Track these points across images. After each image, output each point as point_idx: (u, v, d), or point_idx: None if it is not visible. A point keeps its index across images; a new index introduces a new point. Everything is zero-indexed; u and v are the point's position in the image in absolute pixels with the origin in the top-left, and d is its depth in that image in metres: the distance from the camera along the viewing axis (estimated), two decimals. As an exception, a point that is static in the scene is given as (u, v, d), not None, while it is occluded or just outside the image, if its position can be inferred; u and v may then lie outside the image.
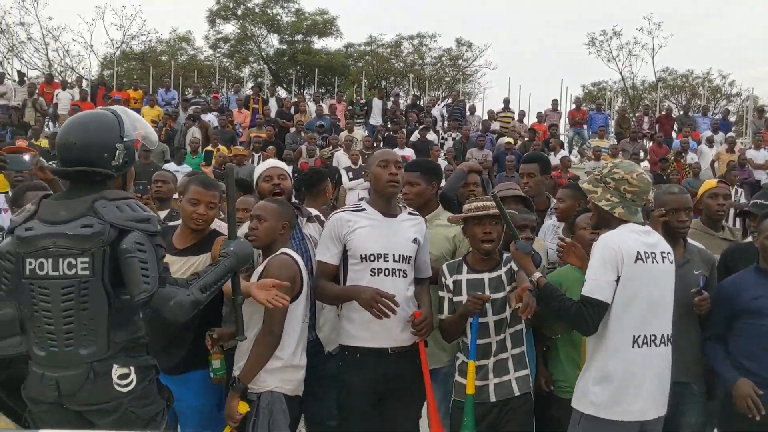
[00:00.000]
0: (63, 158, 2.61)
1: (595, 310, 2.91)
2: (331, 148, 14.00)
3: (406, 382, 3.35)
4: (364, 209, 3.42)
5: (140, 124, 2.87)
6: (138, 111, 16.17)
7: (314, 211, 3.92)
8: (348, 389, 3.34)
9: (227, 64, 30.60)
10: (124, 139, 2.63)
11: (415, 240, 3.40)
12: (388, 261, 3.31)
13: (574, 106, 18.68)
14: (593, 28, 43.05)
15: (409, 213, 3.53)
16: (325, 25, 30.16)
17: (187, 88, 20.52)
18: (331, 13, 30.30)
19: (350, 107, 18.23)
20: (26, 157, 4.29)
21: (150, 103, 16.32)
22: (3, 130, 13.15)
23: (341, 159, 13.29)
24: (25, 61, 27.95)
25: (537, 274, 3.12)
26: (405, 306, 3.30)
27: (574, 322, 3.00)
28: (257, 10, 29.97)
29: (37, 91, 16.24)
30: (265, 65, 30.56)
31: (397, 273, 3.33)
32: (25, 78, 18.17)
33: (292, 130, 15.48)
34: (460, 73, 30.35)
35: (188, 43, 31.43)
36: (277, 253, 3.28)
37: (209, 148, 13.63)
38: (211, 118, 15.91)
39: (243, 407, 3.14)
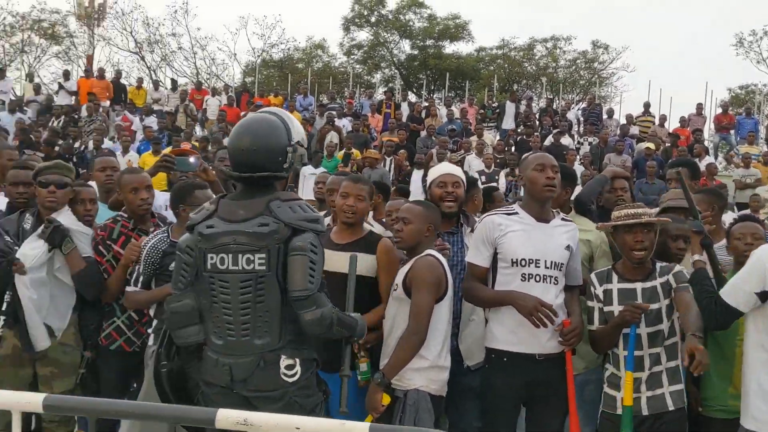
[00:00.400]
0: (238, 163, 2.76)
1: (722, 311, 3.00)
2: (462, 152, 14.00)
3: (551, 388, 3.32)
4: (516, 213, 3.41)
5: (299, 127, 2.97)
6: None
7: None
8: (493, 392, 3.35)
9: (360, 70, 31.35)
10: (292, 142, 2.77)
11: (567, 247, 3.36)
12: (539, 267, 3.29)
13: (720, 110, 17.63)
14: (741, 28, 40.37)
15: (563, 219, 3.48)
16: (456, 30, 30.18)
17: (321, 94, 21.22)
18: (463, 17, 30.33)
19: (482, 111, 18.17)
20: (191, 159, 4.58)
21: (289, 108, 16.99)
22: (161, 134, 14.12)
23: (473, 163, 13.25)
24: (176, 70, 29.94)
25: (696, 256, 3.25)
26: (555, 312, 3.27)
27: (702, 313, 3.05)
28: (390, 16, 30.47)
29: (188, 98, 17.38)
30: (396, 70, 31.00)
31: (548, 279, 3.30)
32: (177, 85, 19.38)
33: (423, 133, 15.62)
34: (596, 76, 29.42)
35: (323, 51, 32.46)
36: (423, 254, 3.33)
37: (347, 151, 14.01)
38: (345, 123, 16.38)
39: (386, 399, 3.22)
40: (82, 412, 2.06)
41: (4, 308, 3.69)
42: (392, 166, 13.82)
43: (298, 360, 2.70)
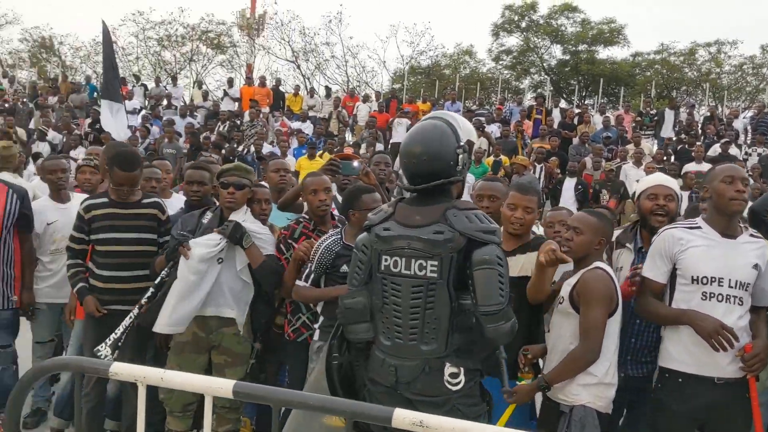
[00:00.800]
0: (412, 173, 2.78)
1: None
2: (618, 160, 13.43)
3: (731, 413, 3.11)
4: (699, 227, 3.22)
5: (466, 125, 2.95)
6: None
7: None
8: (668, 414, 3.18)
9: (508, 75, 30.99)
10: (461, 144, 2.76)
11: (755, 266, 3.12)
12: (722, 286, 3.09)
13: None
14: None
15: (751, 235, 3.24)
16: (611, 34, 29.11)
17: (467, 100, 21.19)
18: (619, 21, 29.20)
19: (638, 118, 17.35)
20: (355, 163, 4.73)
21: (437, 115, 17.06)
22: (318, 140, 14.67)
23: (629, 172, 12.65)
24: (328, 77, 31.05)
25: None
26: (736, 336, 3.04)
27: None
28: (541, 21, 29.92)
29: (341, 104, 17.95)
30: (546, 76, 30.36)
31: (732, 300, 3.08)
32: (331, 92, 20.06)
33: (576, 141, 15.14)
34: (765, 83, 27.27)
35: (471, 57, 32.40)
36: (591, 267, 3.21)
37: (495, 157, 13.88)
38: (494, 129, 16.22)
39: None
40: (268, 401, 2.15)
41: (157, 281, 3.98)
42: (542, 173, 13.51)
43: (462, 369, 2.69)
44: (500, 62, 31.62)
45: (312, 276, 3.86)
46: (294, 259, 3.93)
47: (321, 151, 13.62)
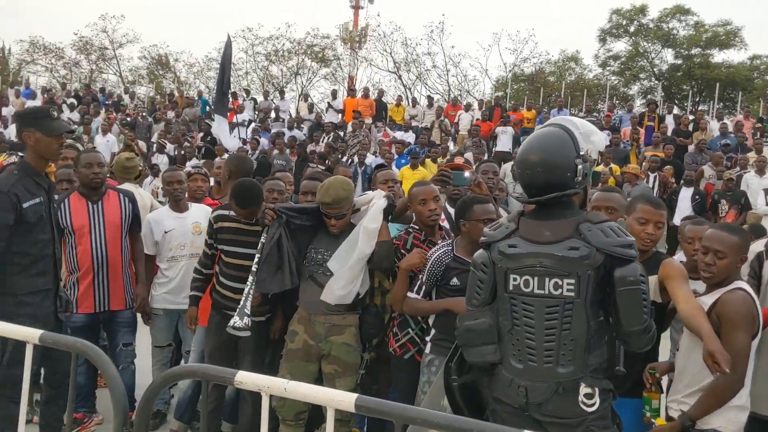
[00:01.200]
0: (527, 183, 2.68)
1: None
2: (738, 169, 12.68)
3: None
4: None
5: (587, 128, 2.85)
6: (531, 131, 16.78)
7: None
8: None
9: (615, 81, 30.01)
10: (581, 153, 2.64)
11: None
12: None
13: None
14: None
15: None
16: (727, 37, 27.63)
17: (572, 107, 20.63)
18: (735, 23, 27.69)
19: (759, 124, 16.34)
20: (466, 174, 4.63)
21: (542, 122, 16.72)
22: (422, 149, 14.68)
23: (751, 182, 11.91)
24: (429, 87, 31.08)
25: None
26: None
27: None
28: (652, 25, 28.81)
29: (443, 114, 17.90)
30: (657, 81, 29.18)
31: None
32: (433, 102, 20.06)
33: (692, 148, 14.41)
34: None
35: (576, 63, 31.62)
36: (731, 287, 3.01)
37: (605, 165, 13.42)
38: (603, 137, 15.68)
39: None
40: (390, 417, 2.10)
41: (258, 247, 4.07)
42: (656, 182, 12.93)
43: (597, 389, 2.58)
44: (607, 68, 30.68)
45: (423, 288, 3.81)
46: (402, 269, 3.89)
47: (422, 159, 13.59)
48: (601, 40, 30.29)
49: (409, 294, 3.85)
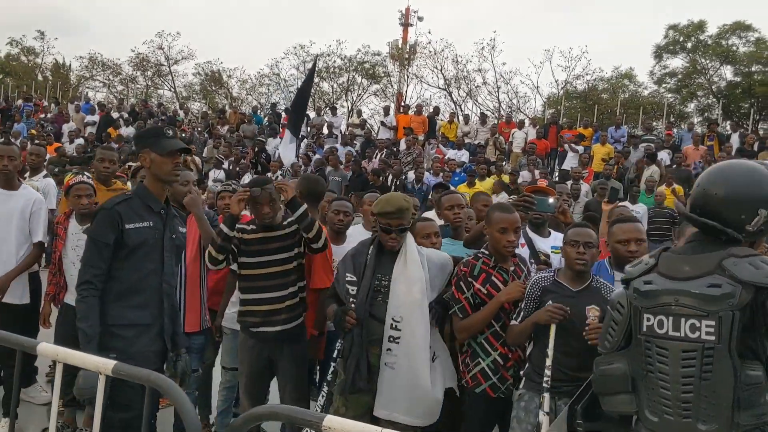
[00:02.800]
0: (698, 205, 2.39)
1: None
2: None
3: None
4: None
5: None
6: (588, 149, 16.40)
7: None
8: None
9: (671, 99, 29.30)
10: None
11: None
12: None
13: None
14: None
15: None
16: (791, 53, 26.75)
17: (626, 125, 20.11)
18: (799, 39, 26.77)
19: (831, 144, 15.66)
20: (551, 200, 4.38)
21: (601, 140, 16.34)
22: (477, 166, 14.45)
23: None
24: (479, 104, 30.82)
25: None
26: None
27: None
28: (710, 42, 28.08)
29: (497, 131, 17.63)
30: (715, 99, 28.38)
31: None
32: (486, 119, 19.80)
33: (760, 169, 13.81)
34: None
35: (630, 80, 30.99)
36: None
37: (667, 185, 12.98)
38: (663, 156, 15.25)
39: None
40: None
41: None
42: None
43: None
44: (663, 85, 29.98)
45: (522, 314, 3.66)
46: (502, 302, 3.73)
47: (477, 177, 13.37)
48: (657, 56, 29.68)
49: (512, 322, 3.70)
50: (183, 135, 18.27)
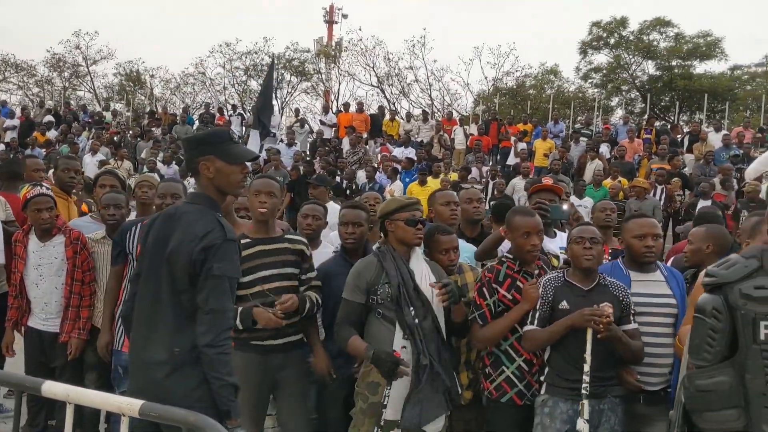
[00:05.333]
0: None
1: None
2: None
3: None
4: None
5: None
6: (531, 144, 16.53)
7: None
8: None
9: (596, 94, 30.03)
10: None
11: None
12: None
13: None
14: None
15: None
16: (708, 48, 27.82)
17: (564, 120, 20.46)
18: (715, 34, 27.90)
19: (759, 135, 16.32)
20: (565, 207, 4.30)
21: (542, 135, 16.48)
22: (419, 163, 14.31)
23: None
24: (412, 101, 30.77)
25: None
26: None
27: None
28: (632, 37, 28.93)
29: (441, 128, 17.55)
30: (638, 93, 29.28)
31: None
32: (428, 116, 19.71)
33: (701, 161, 14.23)
34: None
35: (555, 76, 31.59)
36: None
37: (612, 179, 13.19)
38: (603, 150, 15.52)
39: None
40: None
41: None
42: (663, 195, 12.73)
43: None
44: (589, 80, 30.71)
45: (538, 315, 3.53)
46: (527, 309, 3.55)
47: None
48: (581, 52, 30.31)
49: (527, 327, 3.54)
50: (114, 138, 17.38)
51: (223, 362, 2.76)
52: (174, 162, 14.95)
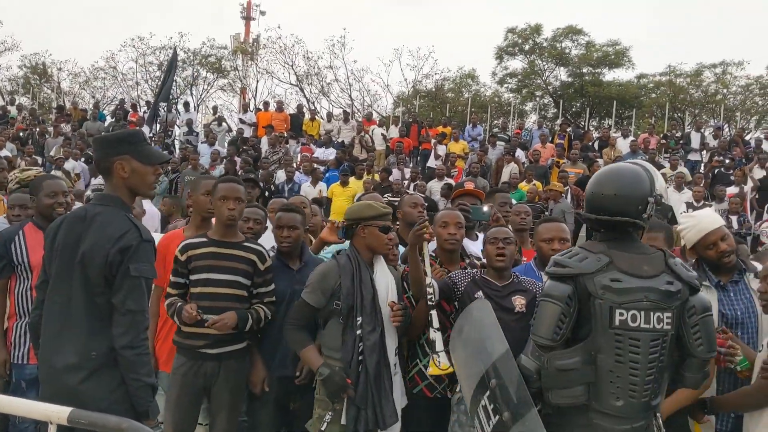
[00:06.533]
0: (597, 207, 2.75)
1: None
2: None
3: None
4: None
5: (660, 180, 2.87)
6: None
7: None
8: None
9: (512, 99, 30.84)
10: (655, 193, 2.72)
11: None
12: None
13: None
14: None
15: None
16: (616, 56, 29.06)
17: (478, 123, 20.85)
18: (624, 43, 29.16)
19: (663, 141, 17.18)
20: (485, 208, 4.45)
21: (453, 137, 16.76)
22: (340, 165, 14.28)
23: (672, 197, 12.36)
24: (332, 101, 30.73)
25: None
26: None
27: None
28: (545, 44, 29.87)
29: (362, 129, 17.60)
30: (551, 98, 30.25)
31: None
32: (349, 116, 19.72)
33: (602, 164, 14.83)
34: (774, 104, 27.26)
35: (473, 80, 32.25)
36: None
37: (524, 186, 13.57)
38: (519, 154, 15.96)
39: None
40: None
41: None
42: (570, 197, 13.21)
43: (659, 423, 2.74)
44: (505, 85, 31.50)
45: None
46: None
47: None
48: (497, 57, 31.04)
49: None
50: (20, 134, 16.55)
51: (142, 363, 2.78)
52: (83, 159, 14.40)
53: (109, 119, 19.77)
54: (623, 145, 16.28)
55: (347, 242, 4.18)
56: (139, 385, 2.75)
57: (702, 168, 15.55)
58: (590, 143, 17.40)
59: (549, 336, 2.65)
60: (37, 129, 17.63)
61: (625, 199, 2.69)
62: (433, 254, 3.92)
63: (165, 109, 17.06)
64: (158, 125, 18.66)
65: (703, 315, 2.68)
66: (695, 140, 16.34)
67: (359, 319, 3.47)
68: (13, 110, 20.17)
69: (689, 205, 11.48)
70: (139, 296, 2.78)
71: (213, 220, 4.01)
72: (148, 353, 2.82)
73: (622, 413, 2.62)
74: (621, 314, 2.60)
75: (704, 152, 16.45)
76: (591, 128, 24.71)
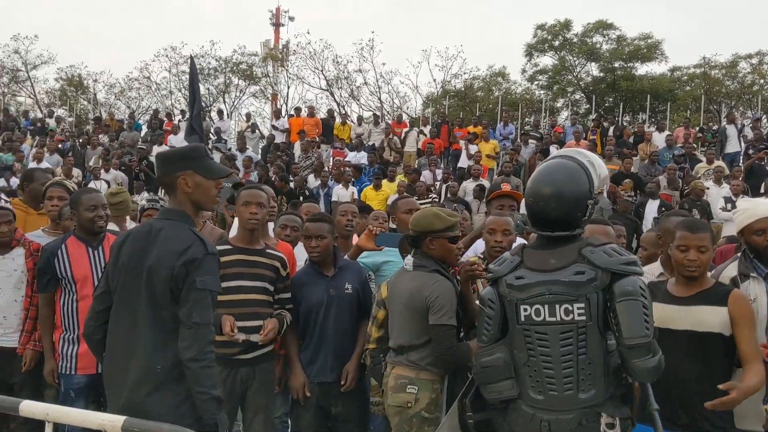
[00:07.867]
0: (537, 214, 2.73)
1: None
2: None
3: None
4: None
5: (597, 161, 2.82)
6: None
7: None
8: None
9: (543, 96, 30.58)
10: (594, 193, 2.71)
11: None
12: None
13: None
14: None
15: None
16: (648, 50, 28.64)
17: (509, 121, 20.71)
18: (656, 36, 28.73)
19: (700, 134, 16.88)
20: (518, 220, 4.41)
21: (484, 138, 16.67)
22: (371, 167, 14.33)
23: (711, 191, 12.14)
24: (362, 104, 30.82)
25: None
26: None
27: None
28: (576, 40, 29.57)
29: (391, 132, 17.61)
30: (583, 94, 29.94)
31: None
32: (379, 119, 19.75)
33: (645, 161, 14.63)
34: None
35: (503, 78, 32.04)
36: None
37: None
38: (553, 152, 15.81)
39: None
40: None
41: None
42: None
43: (618, 419, 2.59)
44: (535, 82, 31.26)
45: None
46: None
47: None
48: (527, 55, 30.82)
49: None
50: (59, 146, 16.90)
51: (208, 375, 2.74)
52: (122, 168, 14.66)
53: (144, 129, 20.08)
54: (659, 139, 16.02)
55: (384, 249, 4.22)
56: (205, 398, 2.72)
57: (741, 161, 15.22)
58: (627, 138, 17.15)
59: (479, 337, 2.80)
60: (79, 140, 17.97)
61: (563, 208, 2.67)
62: (482, 256, 3.98)
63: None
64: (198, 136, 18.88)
65: (623, 299, 2.52)
66: (731, 133, 15.97)
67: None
68: (51, 122, 20.63)
69: (727, 200, 11.25)
70: (204, 309, 2.76)
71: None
72: (212, 366, 2.78)
73: (543, 405, 2.63)
74: (525, 309, 2.64)
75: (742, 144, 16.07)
76: (625, 123, 24.42)
